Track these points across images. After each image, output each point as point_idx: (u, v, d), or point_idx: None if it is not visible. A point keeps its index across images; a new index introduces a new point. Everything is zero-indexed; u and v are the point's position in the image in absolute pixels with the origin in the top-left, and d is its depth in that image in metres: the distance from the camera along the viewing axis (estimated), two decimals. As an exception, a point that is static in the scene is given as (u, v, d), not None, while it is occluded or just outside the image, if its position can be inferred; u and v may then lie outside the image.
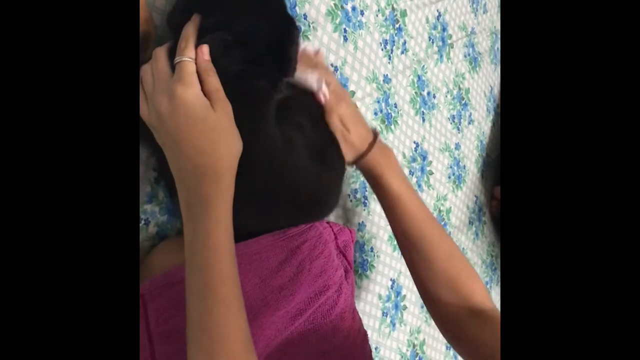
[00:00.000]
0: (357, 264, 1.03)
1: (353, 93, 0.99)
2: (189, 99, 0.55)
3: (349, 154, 0.80)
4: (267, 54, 0.65)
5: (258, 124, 0.66)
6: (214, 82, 0.58)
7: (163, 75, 0.57)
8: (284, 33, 0.67)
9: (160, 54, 0.59)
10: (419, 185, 1.17)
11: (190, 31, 0.60)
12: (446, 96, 1.24)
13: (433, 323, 0.83)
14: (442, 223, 1.25)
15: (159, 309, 0.63)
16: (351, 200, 1.02)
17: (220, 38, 0.62)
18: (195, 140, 0.56)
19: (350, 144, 0.79)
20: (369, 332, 1.03)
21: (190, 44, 0.59)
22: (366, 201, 1.04)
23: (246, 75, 0.65)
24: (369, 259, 1.06)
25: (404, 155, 1.12)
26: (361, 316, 0.85)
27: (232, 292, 0.55)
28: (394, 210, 0.81)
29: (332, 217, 0.95)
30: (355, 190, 1.02)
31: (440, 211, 1.25)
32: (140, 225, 0.71)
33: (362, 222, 1.04)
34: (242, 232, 0.72)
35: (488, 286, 1.46)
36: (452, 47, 1.24)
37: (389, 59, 1.06)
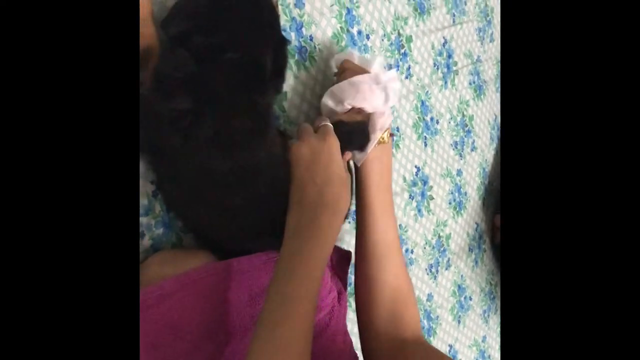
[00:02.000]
0: (352, 287, 1.03)
1: (355, 115, 0.99)
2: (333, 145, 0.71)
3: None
4: (270, 73, 0.68)
5: (264, 136, 0.69)
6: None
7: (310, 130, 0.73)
8: (282, 55, 0.70)
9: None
10: (419, 210, 1.17)
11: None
12: (449, 122, 1.24)
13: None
14: (442, 249, 1.25)
15: (148, 321, 0.63)
16: (349, 222, 1.01)
17: (234, 58, 0.64)
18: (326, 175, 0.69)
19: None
20: None
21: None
22: (364, 223, 1.04)
23: (255, 92, 0.67)
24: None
25: (404, 179, 1.12)
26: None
27: (310, 309, 0.60)
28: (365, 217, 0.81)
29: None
30: (354, 212, 1.02)
31: (439, 237, 1.24)
32: (136, 237, 0.71)
33: (360, 244, 1.04)
34: (237, 249, 0.72)
35: (486, 315, 1.45)
36: (457, 74, 1.25)
37: (393, 83, 1.07)
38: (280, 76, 0.72)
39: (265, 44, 0.68)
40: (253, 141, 0.68)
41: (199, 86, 0.63)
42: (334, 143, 0.72)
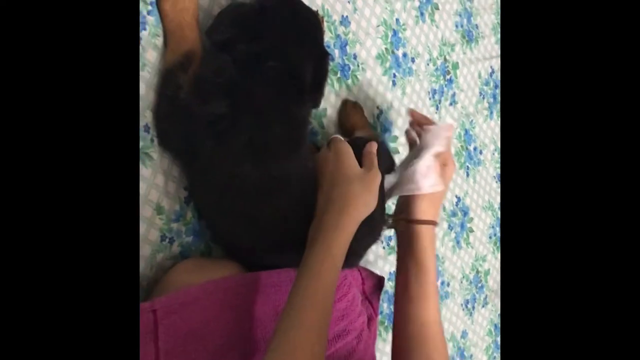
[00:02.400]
0: (383, 315, 0.99)
1: (396, 138, 0.97)
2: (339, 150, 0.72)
3: (423, 202, 0.77)
4: (309, 86, 0.67)
5: (298, 148, 0.68)
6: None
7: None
8: (322, 68, 0.70)
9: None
10: (458, 242, 1.13)
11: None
12: (493, 154, 1.21)
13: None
14: (479, 285, 1.20)
15: (170, 327, 0.61)
16: (384, 247, 0.98)
17: (275, 67, 0.64)
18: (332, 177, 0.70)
19: (433, 197, 0.78)
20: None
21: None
22: (400, 250, 1.01)
23: (292, 103, 0.67)
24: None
25: (444, 208, 1.09)
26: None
27: (329, 287, 0.62)
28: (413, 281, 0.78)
29: (361, 262, 0.92)
30: (390, 238, 0.99)
31: (478, 272, 1.19)
32: (164, 243, 0.70)
33: (394, 271, 1.00)
34: (264, 262, 0.71)
35: None
36: (504, 105, 1.22)
37: (437, 108, 1.05)
38: (318, 90, 0.71)
39: (306, 56, 0.67)
40: (286, 151, 0.67)
41: (237, 92, 0.63)
42: (341, 147, 0.72)
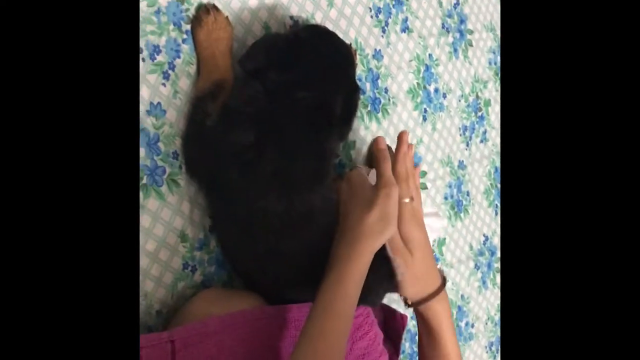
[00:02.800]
0: (405, 355, 0.96)
1: (424, 173, 0.96)
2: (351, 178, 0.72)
3: (408, 288, 0.74)
4: (336, 119, 0.67)
5: (323, 181, 0.68)
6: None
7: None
8: (352, 102, 0.69)
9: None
10: (484, 282, 1.10)
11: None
12: (523, 193, 1.18)
13: None
14: (505, 327, 1.16)
15: (187, 358, 0.60)
16: (408, 285, 0.96)
17: (306, 98, 0.64)
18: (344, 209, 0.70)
19: (412, 276, 0.73)
20: None
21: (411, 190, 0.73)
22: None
23: (320, 135, 0.66)
24: (419, 352, 0.99)
25: (471, 247, 1.06)
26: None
27: (341, 321, 0.61)
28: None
29: (385, 300, 0.90)
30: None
31: (503, 314, 1.16)
32: (186, 271, 0.70)
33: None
34: (286, 296, 0.69)
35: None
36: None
37: (467, 145, 1.03)
38: (347, 123, 0.70)
39: (337, 89, 0.67)
40: (311, 184, 0.66)
41: (265, 122, 0.63)
42: (353, 175, 0.72)
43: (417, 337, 0.97)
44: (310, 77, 0.65)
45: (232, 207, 0.67)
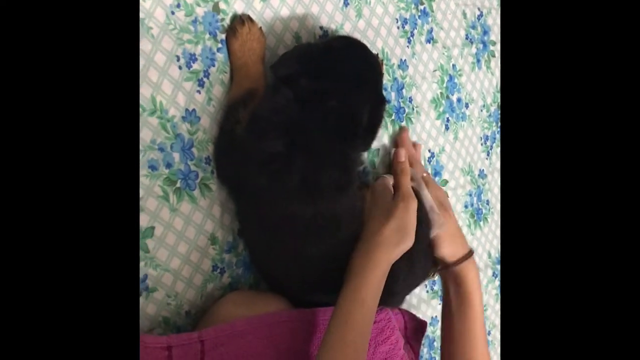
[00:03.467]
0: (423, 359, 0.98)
1: (445, 182, 0.97)
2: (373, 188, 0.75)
3: (445, 247, 0.77)
4: (362, 129, 0.69)
5: (348, 189, 0.68)
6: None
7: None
8: (378, 113, 0.71)
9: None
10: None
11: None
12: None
13: None
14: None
15: (216, 358, 0.62)
16: (427, 291, 0.97)
17: (335, 107, 0.65)
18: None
19: (449, 234, 0.77)
20: None
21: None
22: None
23: (346, 145, 0.68)
24: (438, 359, 1.00)
25: (489, 255, 1.07)
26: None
27: (359, 330, 0.63)
28: (462, 322, 0.78)
29: (404, 305, 0.92)
30: (433, 282, 0.98)
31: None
32: (215, 273, 0.71)
33: (436, 316, 0.99)
34: (311, 301, 0.71)
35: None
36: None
37: (488, 154, 1.05)
38: (372, 133, 0.72)
39: (365, 98, 0.69)
40: (337, 192, 0.67)
41: (294, 131, 0.64)
42: (376, 185, 0.75)
43: (435, 343, 0.99)
44: (340, 86, 0.67)
45: (260, 213, 0.68)
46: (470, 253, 0.78)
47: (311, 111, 0.65)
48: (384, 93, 0.86)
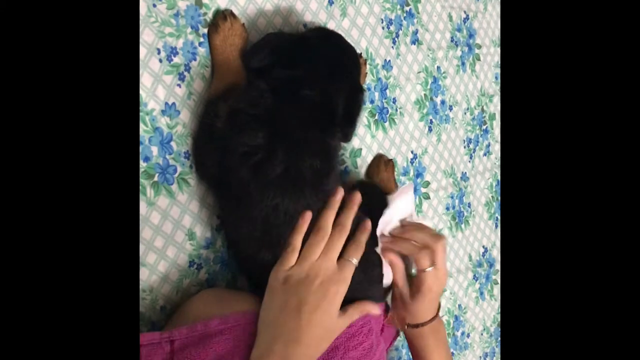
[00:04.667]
0: (401, 361, 0.98)
1: (427, 183, 0.97)
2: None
3: (402, 316, 0.76)
4: (339, 118, 0.68)
5: (329, 176, 0.68)
6: None
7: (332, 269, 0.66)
8: (355, 103, 0.70)
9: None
10: (481, 293, 1.11)
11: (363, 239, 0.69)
12: (524, 207, 1.20)
13: None
14: (500, 340, 1.17)
15: (186, 358, 0.61)
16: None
17: (309, 96, 0.65)
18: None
19: (408, 309, 0.76)
20: None
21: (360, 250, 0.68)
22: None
23: (324, 133, 0.67)
24: None
25: (470, 258, 1.08)
26: None
27: None
28: None
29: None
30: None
31: (499, 326, 1.17)
32: (192, 269, 0.71)
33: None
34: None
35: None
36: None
37: (470, 157, 1.05)
38: (350, 124, 0.71)
39: (340, 88, 0.68)
40: (319, 181, 0.67)
41: (272, 122, 0.64)
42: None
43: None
44: (313, 75, 0.66)
45: (242, 207, 0.67)
46: (436, 317, 0.77)
47: (286, 101, 0.65)
48: (367, 93, 0.86)
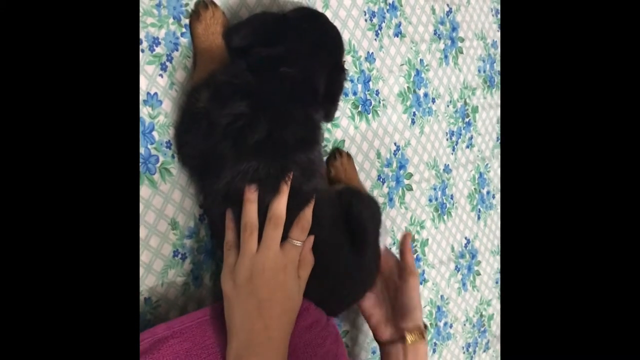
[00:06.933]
0: None
1: (410, 175, 0.98)
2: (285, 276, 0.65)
3: (382, 329, 0.78)
4: (320, 96, 0.69)
5: (312, 145, 0.68)
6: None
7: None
8: (337, 81, 0.71)
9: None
10: (464, 284, 1.13)
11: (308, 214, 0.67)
12: (506, 199, 1.21)
13: None
14: (482, 329, 1.19)
15: None
16: None
17: (288, 73, 0.65)
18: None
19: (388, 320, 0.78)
20: None
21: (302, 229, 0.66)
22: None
23: (309, 106, 0.68)
24: None
25: (452, 249, 1.09)
26: None
27: None
28: None
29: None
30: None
31: (482, 316, 1.19)
32: (176, 259, 0.71)
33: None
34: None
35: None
36: (520, 152, 1.23)
37: (453, 150, 1.06)
38: (332, 102, 0.71)
39: (320, 66, 0.69)
40: (302, 149, 0.66)
41: (254, 93, 0.64)
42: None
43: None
44: (293, 53, 0.66)
45: (224, 183, 0.65)
46: (423, 330, 0.77)
47: (266, 78, 0.65)
48: (350, 85, 0.87)
